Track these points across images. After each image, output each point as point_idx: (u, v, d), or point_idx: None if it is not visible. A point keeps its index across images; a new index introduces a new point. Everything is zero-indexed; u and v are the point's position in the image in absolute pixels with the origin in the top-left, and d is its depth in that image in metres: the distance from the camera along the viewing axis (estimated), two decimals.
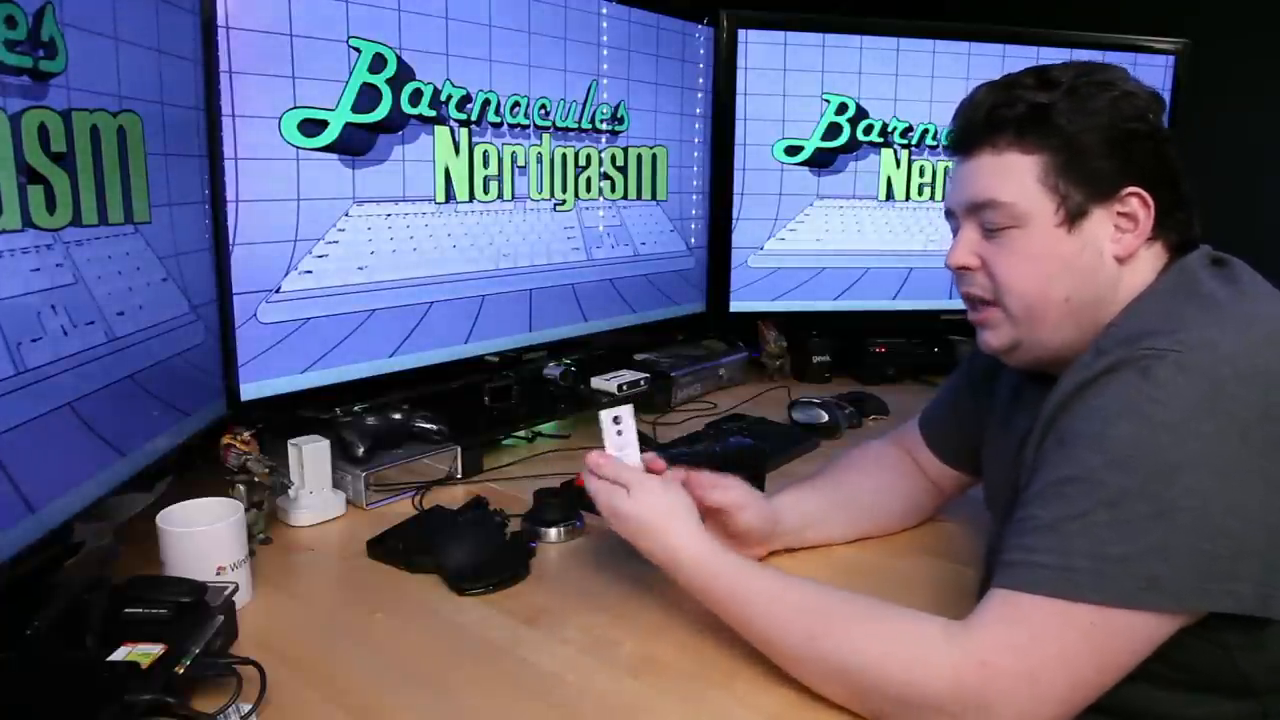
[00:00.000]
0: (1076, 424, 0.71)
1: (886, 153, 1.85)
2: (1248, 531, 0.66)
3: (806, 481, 1.08)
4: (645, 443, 1.05)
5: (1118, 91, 0.77)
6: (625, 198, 1.67)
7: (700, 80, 1.80)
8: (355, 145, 1.20)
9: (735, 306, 1.86)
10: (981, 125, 0.80)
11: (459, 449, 1.28)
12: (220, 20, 1.05)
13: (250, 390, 1.14)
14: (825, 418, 1.49)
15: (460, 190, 1.35)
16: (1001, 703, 0.66)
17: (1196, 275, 0.77)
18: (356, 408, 1.24)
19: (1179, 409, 0.66)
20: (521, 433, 1.45)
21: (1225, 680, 0.73)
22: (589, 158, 1.57)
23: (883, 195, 1.87)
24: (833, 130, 1.82)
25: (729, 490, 0.95)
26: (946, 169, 1.87)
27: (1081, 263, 0.78)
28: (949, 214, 0.87)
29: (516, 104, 1.41)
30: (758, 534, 0.97)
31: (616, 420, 0.91)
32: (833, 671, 0.73)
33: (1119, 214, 0.78)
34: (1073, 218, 0.78)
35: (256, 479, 1.03)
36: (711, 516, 0.93)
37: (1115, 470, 0.67)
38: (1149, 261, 0.80)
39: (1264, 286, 0.77)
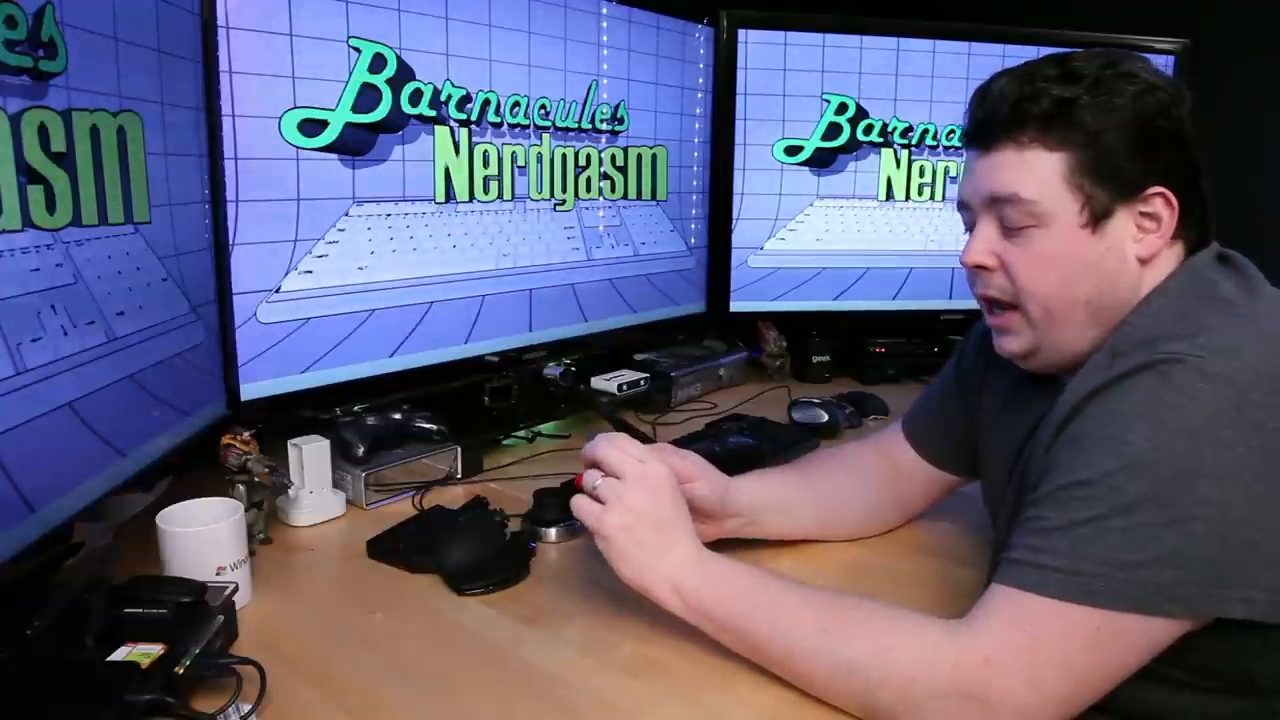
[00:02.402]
0: (1092, 427, 0.70)
1: (886, 153, 1.85)
2: (1263, 540, 0.65)
3: (774, 471, 1.07)
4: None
5: (1142, 85, 0.75)
6: (625, 198, 1.67)
7: (700, 80, 1.79)
8: (355, 145, 1.20)
9: (735, 306, 1.86)
10: (1005, 119, 0.78)
11: (459, 449, 1.28)
12: (220, 20, 1.05)
13: (250, 390, 1.13)
14: (825, 418, 1.49)
15: (460, 190, 1.35)
16: (1002, 700, 0.66)
17: (1208, 275, 0.76)
18: (356, 408, 1.24)
19: (1198, 416, 0.65)
20: (521, 433, 1.45)
21: (1231, 679, 0.72)
22: (589, 158, 1.57)
23: (883, 195, 1.87)
24: (833, 130, 1.82)
25: (683, 458, 0.92)
26: (947, 169, 1.87)
27: (1105, 265, 0.77)
28: (962, 206, 0.85)
29: (516, 104, 1.41)
30: (706, 505, 0.92)
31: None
32: (841, 668, 0.72)
33: (1142, 214, 0.77)
34: (1097, 219, 0.76)
35: (256, 479, 1.03)
36: None
37: (1131, 476, 0.66)
38: (1169, 262, 0.78)
39: (1269, 285, 0.77)
